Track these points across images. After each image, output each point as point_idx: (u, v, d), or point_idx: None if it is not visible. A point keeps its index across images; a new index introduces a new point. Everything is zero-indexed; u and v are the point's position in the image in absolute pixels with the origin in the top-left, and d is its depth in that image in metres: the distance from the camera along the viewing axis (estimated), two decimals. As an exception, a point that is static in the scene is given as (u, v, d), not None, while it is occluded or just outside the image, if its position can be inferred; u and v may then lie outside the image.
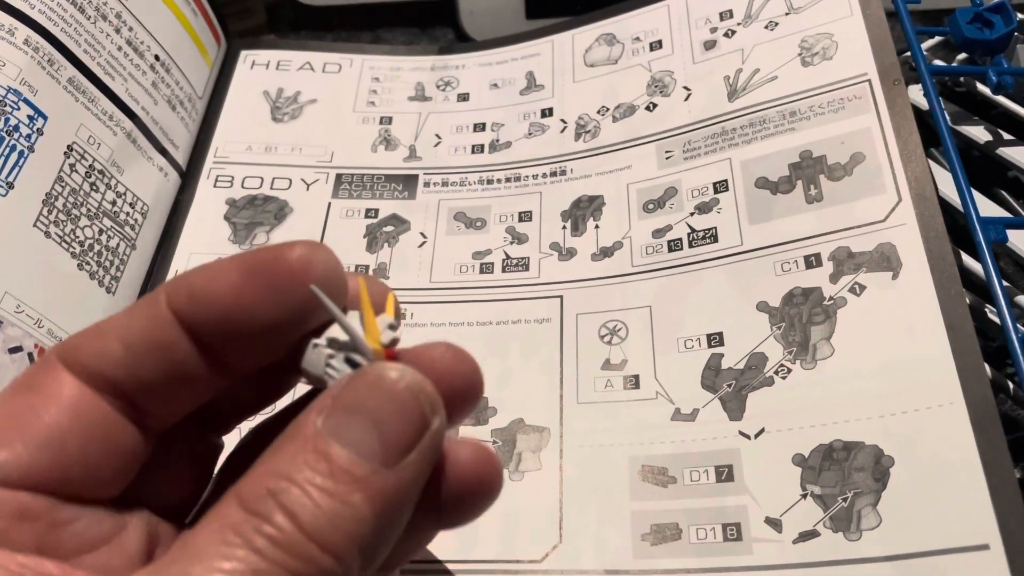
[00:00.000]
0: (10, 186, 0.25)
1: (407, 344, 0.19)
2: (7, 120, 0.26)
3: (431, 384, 0.16)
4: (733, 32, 0.35)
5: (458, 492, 0.18)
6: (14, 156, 0.26)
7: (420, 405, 0.16)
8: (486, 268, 0.32)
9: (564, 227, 0.32)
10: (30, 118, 0.27)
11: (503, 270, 0.32)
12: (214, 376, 0.17)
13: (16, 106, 0.26)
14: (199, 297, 0.17)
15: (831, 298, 0.27)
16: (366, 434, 0.15)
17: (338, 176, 0.35)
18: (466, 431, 0.28)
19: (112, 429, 0.17)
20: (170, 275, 0.32)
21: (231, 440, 0.20)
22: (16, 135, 0.26)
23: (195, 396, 0.18)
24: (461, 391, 0.18)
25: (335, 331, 0.17)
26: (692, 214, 0.31)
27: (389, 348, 0.17)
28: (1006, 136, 0.34)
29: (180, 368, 0.17)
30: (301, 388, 0.19)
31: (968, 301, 0.28)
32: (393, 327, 0.17)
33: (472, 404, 0.19)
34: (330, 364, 0.17)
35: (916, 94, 0.34)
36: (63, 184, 0.28)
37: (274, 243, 0.17)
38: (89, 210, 0.29)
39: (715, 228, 0.30)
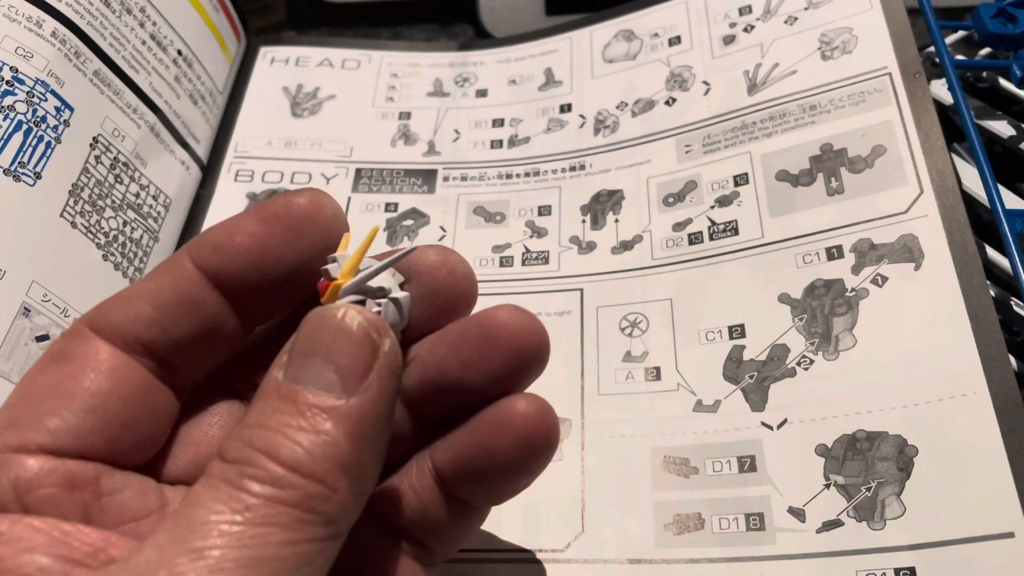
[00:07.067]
0: (38, 176, 0.26)
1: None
2: (35, 111, 0.26)
3: (371, 313, 0.17)
4: (752, 27, 0.35)
5: (521, 437, 0.18)
6: (41, 147, 0.26)
7: (366, 332, 0.16)
8: (506, 261, 0.32)
9: (584, 221, 0.32)
10: (57, 109, 0.27)
11: (523, 263, 0.32)
12: (239, 328, 0.19)
13: (44, 97, 0.27)
14: (224, 249, 0.18)
15: (853, 289, 0.27)
16: (322, 370, 0.16)
17: (358, 171, 0.36)
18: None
19: (148, 389, 0.18)
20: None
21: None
22: (44, 126, 0.26)
23: (222, 349, 0.19)
24: (531, 349, 0.19)
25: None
26: (712, 207, 0.31)
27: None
28: (1029, 131, 0.34)
29: (209, 322, 0.18)
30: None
31: (993, 294, 0.28)
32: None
33: (542, 361, 0.19)
34: None
35: (940, 89, 0.34)
36: (88, 175, 0.28)
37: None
38: (113, 201, 0.29)
39: (735, 221, 0.30)
